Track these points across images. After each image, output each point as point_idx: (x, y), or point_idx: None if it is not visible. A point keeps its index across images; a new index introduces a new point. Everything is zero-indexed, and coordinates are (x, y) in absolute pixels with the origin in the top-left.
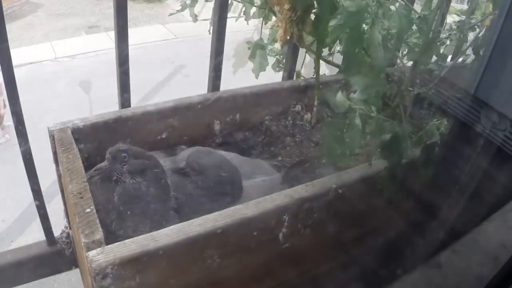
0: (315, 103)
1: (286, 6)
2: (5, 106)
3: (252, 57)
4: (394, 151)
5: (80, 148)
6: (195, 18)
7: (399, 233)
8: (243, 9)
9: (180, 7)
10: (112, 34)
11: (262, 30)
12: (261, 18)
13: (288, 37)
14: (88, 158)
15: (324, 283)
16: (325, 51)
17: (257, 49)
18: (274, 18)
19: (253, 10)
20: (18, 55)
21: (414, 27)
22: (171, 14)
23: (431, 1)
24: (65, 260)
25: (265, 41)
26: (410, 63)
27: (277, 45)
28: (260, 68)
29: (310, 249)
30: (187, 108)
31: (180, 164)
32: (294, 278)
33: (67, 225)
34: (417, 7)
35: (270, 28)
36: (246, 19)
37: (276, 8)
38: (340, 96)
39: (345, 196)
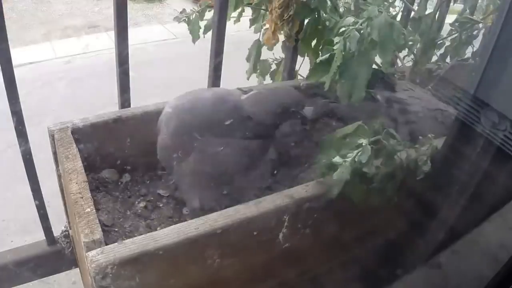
0: None
1: (277, 4)
2: None
3: (248, 60)
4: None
5: (80, 148)
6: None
7: (399, 233)
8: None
9: (186, 19)
10: (112, 34)
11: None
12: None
13: (274, 40)
14: (88, 158)
15: (324, 283)
16: None
17: (253, 51)
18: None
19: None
20: (18, 55)
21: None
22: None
23: (426, 3)
24: (65, 260)
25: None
26: (410, 63)
27: (274, 52)
28: (253, 69)
29: (310, 249)
30: None
31: None
32: (294, 278)
33: (67, 225)
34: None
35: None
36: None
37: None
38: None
39: (345, 196)
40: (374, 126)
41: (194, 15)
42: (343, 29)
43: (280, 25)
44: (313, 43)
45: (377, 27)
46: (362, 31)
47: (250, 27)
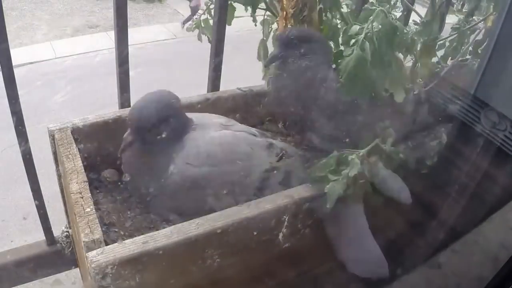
0: None
1: (290, 5)
2: None
3: (259, 59)
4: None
5: (80, 148)
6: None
7: (399, 233)
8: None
9: (194, 24)
10: (112, 34)
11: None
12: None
13: None
14: (88, 158)
15: (324, 283)
16: None
17: (261, 50)
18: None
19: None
20: (18, 55)
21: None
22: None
23: (434, 6)
24: (65, 260)
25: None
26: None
27: None
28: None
29: (310, 249)
30: (187, 108)
31: None
32: (294, 278)
33: (67, 224)
34: (418, 7)
35: (273, 33)
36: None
37: (277, 6)
38: None
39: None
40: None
41: (203, 16)
42: (353, 40)
43: (289, 20)
44: None
45: (381, 30)
46: (368, 34)
47: (262, 29)
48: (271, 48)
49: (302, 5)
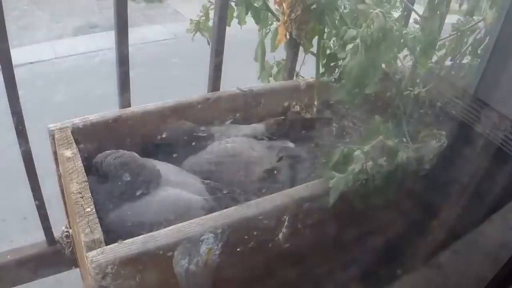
0: (315, 103)
1: (285, 5)
2: None
3: (256, 59)
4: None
5: (80, 148)
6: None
7: (399, 233)
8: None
9: (194, 26)
10: (112, 34)
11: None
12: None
13: (286, 38)
14: (88, 158)
15: (324, 283)
16: None
17: (259, 51)
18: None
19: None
20: (18, 55)
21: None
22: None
23: (433, 3)
24: (65, 260)
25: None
26: (410, 63)
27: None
28: (261, 69)
29: (310, 249)
30: (187, 108)
31: None
32: (294, 278)
33: (67, 224)
34: (418, 7)
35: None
36: (240, 23)
37: (278, 9)
38: None
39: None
40: (378, 125)
41: (202, 19)
42: (349, 46)
43: (288, 25)
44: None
45: (377, 31)
46: (364, 37)
47: (259, 29)
48: (268, 49)
49: (294, 5)
